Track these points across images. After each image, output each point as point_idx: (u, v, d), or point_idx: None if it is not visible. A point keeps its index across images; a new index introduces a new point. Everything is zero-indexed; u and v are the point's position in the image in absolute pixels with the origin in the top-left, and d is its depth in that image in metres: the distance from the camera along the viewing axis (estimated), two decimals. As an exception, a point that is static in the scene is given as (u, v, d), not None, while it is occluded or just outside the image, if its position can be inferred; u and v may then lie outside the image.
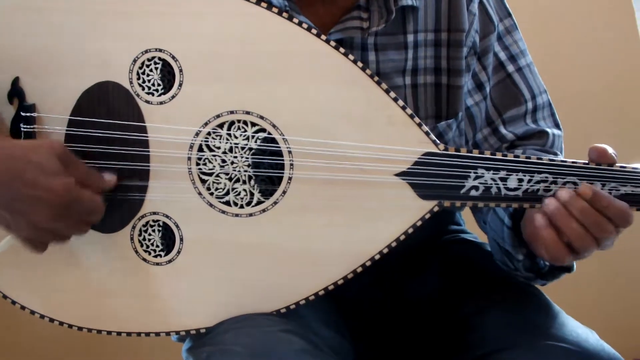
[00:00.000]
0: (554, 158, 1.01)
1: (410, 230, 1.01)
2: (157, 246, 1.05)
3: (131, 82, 1.04)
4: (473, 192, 1.00)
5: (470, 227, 1.38)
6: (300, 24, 1.02)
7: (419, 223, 1.01)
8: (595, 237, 0.97)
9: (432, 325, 1.20)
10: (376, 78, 1.01)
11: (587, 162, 1.00)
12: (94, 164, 1.03)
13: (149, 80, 1.04)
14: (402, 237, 1.01)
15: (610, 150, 1.00)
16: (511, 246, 1.09)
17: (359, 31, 1.13)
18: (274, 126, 1.02)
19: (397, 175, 1.01)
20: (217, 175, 1.03)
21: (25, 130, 1.04)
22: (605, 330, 1.18)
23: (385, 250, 1.02)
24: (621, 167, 1.00)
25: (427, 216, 1.01)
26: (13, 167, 0.93)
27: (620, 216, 0.97)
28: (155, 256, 1.06)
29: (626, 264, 2.16)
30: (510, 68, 1.22)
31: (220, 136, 1.03)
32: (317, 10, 1.14)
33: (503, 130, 1.21)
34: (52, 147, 0.96)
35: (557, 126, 1.25)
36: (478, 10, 1.20)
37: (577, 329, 1.07)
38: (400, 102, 1.01)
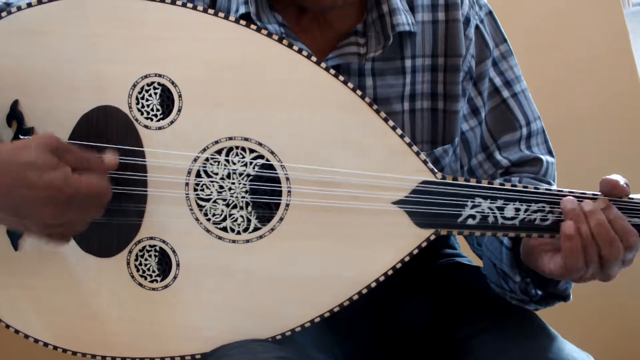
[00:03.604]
0: (550, 188, 1.01)
1: (407, 259, 1.01)
2: (154, 271, 1.05)
3: (130, 107, 1.04)
4: (470, 221, 1.01)
5: (464, 250, 1.38)
6: (300, 51, 1.02)
7: (416, 251, 1.01)
8: (600, 255, 0.97)
9: (426, 349, 1.20)
10: (375, 106, 1.02)
11: (583, 191, 1.00)
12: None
13: (148, 105, 1.04)
14: (399, 265, 1.02)
15: (622, 181, 0.99)
16: (509, 267, 1.09)
17: (357, 57, 1.13)
18: (272, 153, 1.02)
19: (394, 203, 1.01)
20: (215, 201, 1.03)
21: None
22: (603, 355, 1.19)
23: (382, 279, 1.02)
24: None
25: (424, 244, 1.01)
26: (8, 176, 0.92)
27: (626, 233, 0.97)
28: (152, 281, 1.05)
29: (623, 288, 2.15)
30: (506, 93, 1.23)
31: (219, 162, 1.03)
32: (314, 35, 1.14)
33: (498, 156, 1.22)
34: (41, 141, 0.94)
35: (550, 153, 1.25)
36: (474, 36, 1.20)
37: (574, 352, 1.08)
38: (399, 131, 1.02)
